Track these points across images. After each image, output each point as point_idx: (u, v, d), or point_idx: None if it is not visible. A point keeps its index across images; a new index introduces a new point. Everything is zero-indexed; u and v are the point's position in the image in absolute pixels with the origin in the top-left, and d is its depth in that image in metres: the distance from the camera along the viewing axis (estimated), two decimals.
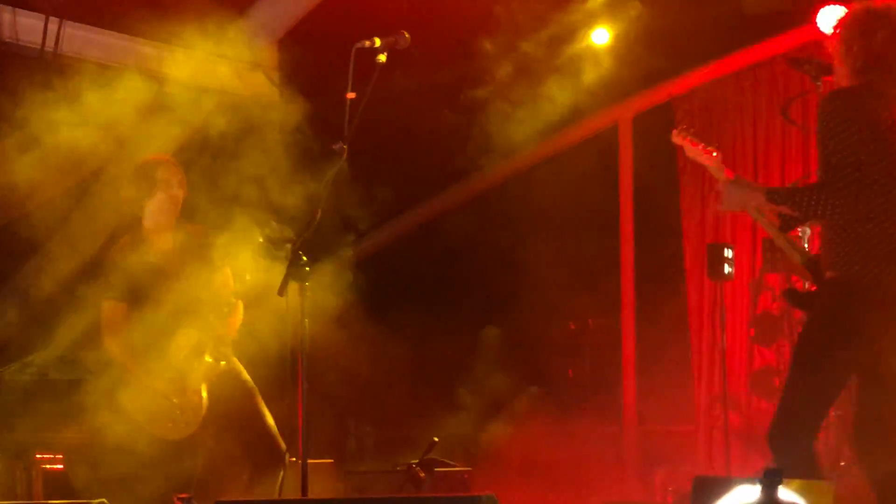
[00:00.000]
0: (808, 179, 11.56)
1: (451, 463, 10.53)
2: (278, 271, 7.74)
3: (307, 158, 8.79)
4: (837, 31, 7.28)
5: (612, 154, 13.80)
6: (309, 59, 11.81)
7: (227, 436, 8.55)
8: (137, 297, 8.57)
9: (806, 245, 10.38)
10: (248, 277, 8.48)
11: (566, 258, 11.94)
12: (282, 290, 7.73)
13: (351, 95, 7.39)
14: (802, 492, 4.97)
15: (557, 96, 11.75)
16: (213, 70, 12.20)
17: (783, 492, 4.86)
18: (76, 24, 11.35)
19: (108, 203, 11.29)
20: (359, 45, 7.42)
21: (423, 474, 10.35)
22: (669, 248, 14.07)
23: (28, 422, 10.51)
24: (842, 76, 7.22)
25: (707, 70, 13.63)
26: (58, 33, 11.22)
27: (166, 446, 8.66)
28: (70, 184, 11.39)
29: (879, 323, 6.83)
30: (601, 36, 12.26)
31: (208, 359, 8.47)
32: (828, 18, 12.21)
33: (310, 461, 7.68)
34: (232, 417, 8.49)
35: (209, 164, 10.00)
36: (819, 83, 10.80)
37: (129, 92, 11.27)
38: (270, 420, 8.63)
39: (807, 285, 10.62)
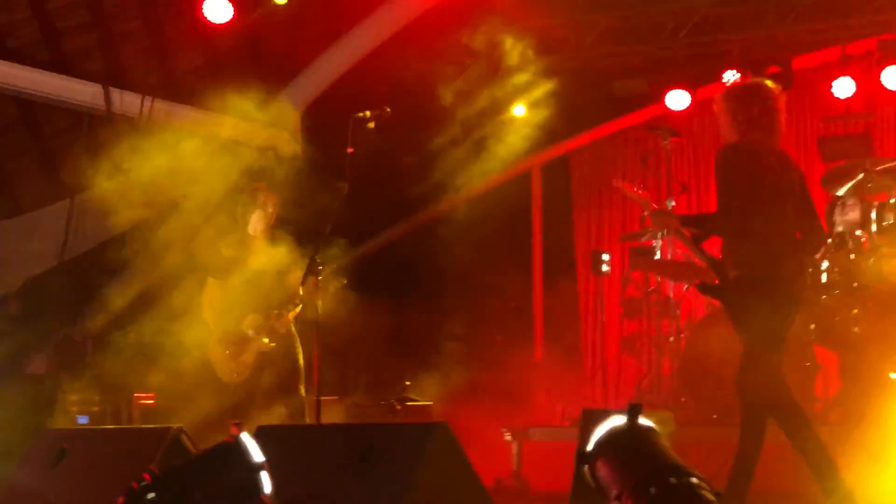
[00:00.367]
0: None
1: (418, 399, 10.64)
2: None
3: (319, 193, 8.84)
4: (723, 103, 7.03)
5: (527, 190, 13.94)
6: (321, 124, 11.88)
7: (269, 390, 8.53)
8: (226, 278, 8.54)
9: (658, 254, 10.57)
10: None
11: (496, 259, 11.97)
12: (303, 281, 7.90)
13: (350, 150, 7.45)
14: (653, 419, 4.56)
15: (491, 150, 11.85)
16: (255, 131, 12.28)
17: (641, 419, 4.50)
18: (161, 100, 11.35)
19: (179, 226, 11.27)
20: (355, 115, 7.46)
21: (398, 407, 10.41)
22: (566, 253, 14.15)
23: (130, 370, 10.60)
24: (729, 135, 6.96)
25: (591, 133, 13.64)
26: (150, 107, 11.23)
27: (225, 387, 8.67)
28: (152, 212, 11.39)
29: (772, 305, 6.63)
30: (519, 109, 12.31)
31: (265, 339, 8.53)
32: (673, 99, 12.37)
33: (322, 398, 7.76)
34: (274, 379, 8.46)
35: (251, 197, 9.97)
36: (667, 142, 10.76)
37: (195, 147, 11.35)
38: (302, 391, 8.55)
39: (658, 278, 10.86)
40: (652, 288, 10.67)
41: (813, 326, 8.87)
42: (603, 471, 4.29)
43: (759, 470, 6.68)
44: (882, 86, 11.16)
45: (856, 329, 8.39)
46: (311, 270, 7.75)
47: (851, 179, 9.14)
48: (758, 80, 7.30)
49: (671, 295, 10.64)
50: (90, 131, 10.58)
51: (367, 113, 7.39)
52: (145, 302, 10.71)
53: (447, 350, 11.61)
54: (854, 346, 8.40)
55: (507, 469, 9.83)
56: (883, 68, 11.14)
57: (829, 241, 8.77)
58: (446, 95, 11.13)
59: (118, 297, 11.82)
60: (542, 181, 14.03)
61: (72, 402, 10.68)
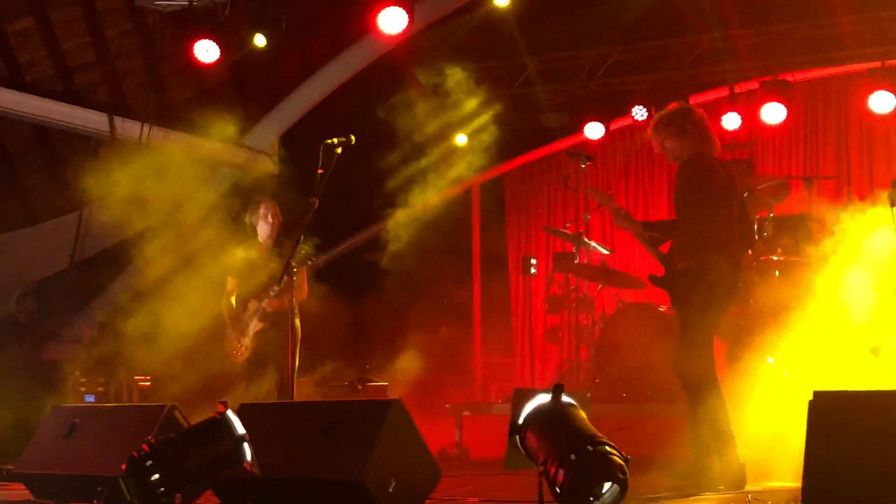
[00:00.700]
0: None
1: (376, 380, 10.62)
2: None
3: (293, 206, 8.78)
4: (666, 127, 6.92)
5: (468, 205, 13.95)
6: (295, 148, 11.83)
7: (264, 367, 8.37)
8: (243, 277, 8.36)
9: (577, 259, 10.63)
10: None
11: (442, 262, 11.93)
12: (280, 280, 7.86)
13: (320, 171, 7.32)
14: (572, 397, 4.53)
15: (438, 171, 11.84)
16: (238, 154, 12.25)
17: (563, 397, 4.45)
18: (158, 127, 11.28)
19: (177, 231, 11.18)
20: (325, 142, 7.38)
21: (359, 386, 10.40)
22: (500, 258, 14.08)
23: (131, 356, 10.54)
24: (678, 152, 6.84)
25: (522, 157, 13.65)
26: (148, 133, 11.17)
27: (231, 364, 8.53)
28: (154, 220, 11.32)
29: (713, 293, 6.53)
30: (462, 138, 12.32)
31: (260, 323, 8.43)
32: (590, 130, 12.37)
33: (297, 379, 7.76)
34: (270, 358, 8.31)
35: (237, 208, 9.91)
36: (584, 165, 10.70)
37: (187, 166, 11.30)
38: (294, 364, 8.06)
39: (577, 280, 10.89)
40: (572, 287, 10.71)
41: None
42: (531, 440, 4.31)
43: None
44: (762, 119, 11.27)
45: (741, 322, 8.44)
46: (286, 271, 7.72)
47: (765, 205, 9.18)
48: (682, 104, 7.29)
49: (587, 293, 10.69)
50: (97, 153, 10.51)
51: (335, 140, 7.35)
52: (143, 297, 10.62)
53: (400, 338, 11.58)
54: (738, 337, 8.45)
55: (450, 439, 9.83)
56: (763, 105, 11.25)
57: None
58: (401, 124, 11.11)
59: (121, 293, 11.76)
60: (480, 198, 14.03)
61: (81, 383, 10.62)
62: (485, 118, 11.84)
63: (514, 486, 6.34)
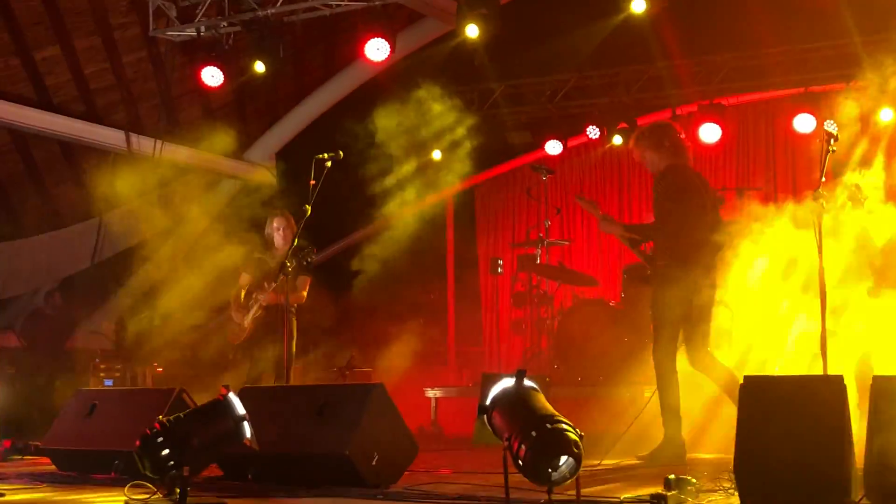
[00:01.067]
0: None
1: (361, 366, 10.59)
2: None
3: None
4: (646, 140, 6.87)
5: (444, 212, 13.91)
6: (291, 162, 11.83)
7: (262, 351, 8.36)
8: (256, 276, 8.16)
9: (538, 260, 10.64)
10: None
11: (420, 262, 11.92)
12: (276, 278, 7.83)
13: (312, 182, 7.41)
14: (534, 381, 4.46)
15: (418, 183, 11.82)
16: (240, 167, 12.23)
17: (526, 381, 4.38)
18: (169, 143, 11.27)
19: (185, 234, 11.15)
20: (317, 156, 7.44)
21: (347, 372, 10.39)
22: (471, 259, 14.04)
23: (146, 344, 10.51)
24: (656, 163, 6.78)
25: (491, 171, 13.56)
26: (160, 148, 11.15)
27: (230, 348, 8.38)
28: (162, 226, 11.28)
29: (687, 287, 6.47)
30: (437, 154, 12.30)
31: (258, 311, 8.32)
32: (550, 147, 12.39)
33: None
34: (269, 341, 8.33)
35: (239, 215, 9.95)
36: (545, 178, 10.72)
37: (195, 178, 11.28)
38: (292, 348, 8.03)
39: (538, 278, 10.90)
40: (534, 284, 10.71)
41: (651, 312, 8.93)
42: (497, 419, 4.30)
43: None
44: (700, 138, 11.31)
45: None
46: (282, 270, 7.68)
47: None
48: (665, 121, 7.33)
49: (547, 290, 10.71)
50: (115, 166, 10.45)
51: (326, 155, 7.30)
52: (155, 293, 10.60)
53: (383, 330, 11.56)
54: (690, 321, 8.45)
55: (427, 418, 9.83)
56: (700, 125, 11.30)
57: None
58: (384, 141, 11.10)
59: (136, 289, 11.72)
60: (454, 206, 14.00)
61: (100, 369, 10.56)
62: (458, 136, 11.84)
63: (482, 460, 6.35)
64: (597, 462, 6.17)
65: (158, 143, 11.09)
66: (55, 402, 8.70)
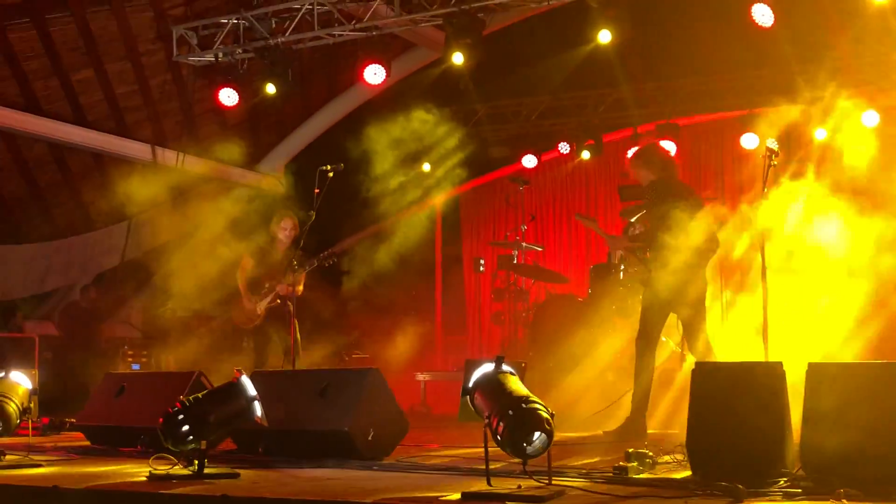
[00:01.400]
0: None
1: (359, 353, 10.58)
2: None
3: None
4: (637, 160, 6.87)
5: (433, 218, 13.87)
6: (298, 172, 11.76)
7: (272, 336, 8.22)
8: (258, 260, 8.12)
9: (515, 260, 10.61)
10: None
11: (412, 262, 11.88)
12: (284, 276, 7.82)
13: (316, 190, 7.30)
14: (511, 366, 4.38)
15: (409, 191, 11.87)
16: (253, 177, 12.19)
17: (504, 366, 4.29)
18: (190, 155, 11.22)
19: (202, 238, 11.08)
20: (321, 168, 7.38)
21: (346, 358, 10.37)
22: (457, 258, 13.98)
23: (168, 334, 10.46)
24: (645, 176, 6.77)
25: (474, 181, 13.40)
26: (182, 160, 11.12)
27: (241, 333, 8.40)
28: (183, 229, 11.24)
29: (677, 285, 6.38)
30: (426, 166, 12.29)
31: (273, 299, 8.11)
32: (526, 160, 12.38)
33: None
34: (276, 328, 8.11)
35: (250, 220, 9.92)
36: (522, 188, 10.74)
37: (212, 186, 11.23)
38: (297, 335, 8.03)
39: (516, 275, 10.88)
40: (511, 281, 10.71)
41: (615, 307, 8.94)
42: (479, 400, 4.29)
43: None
44: None
45: (638, 308, 8.45)
46: (289, 268, 7.66)
47: (638, 212, 9.18)
48: (653, 142, 7.30)
49: (523, 287, 10.71)
50: (142, 175, 10.41)
51: (329, 167, 7.30)
52: (178, 288, 10.55)
53: (378, 321, 11.55)
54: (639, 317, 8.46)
55: (417, 399, 9.83)
56: (660, 142, 11.31)
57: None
58: (381, 155, 11.08)
59: (160, 285, 11.66)
60: (441, 212, 13.97)
61: (129, 354, 10.54)
62: (445, 150, 11.84)
63: (465, 436, 6.32)
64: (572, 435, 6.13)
65: (181, 155, 11.08)
66: (88, 383, 8.66)
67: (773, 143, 5.66)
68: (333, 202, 7.64)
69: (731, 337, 7.74)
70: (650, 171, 6.82)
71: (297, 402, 5.71)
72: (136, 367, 10.42)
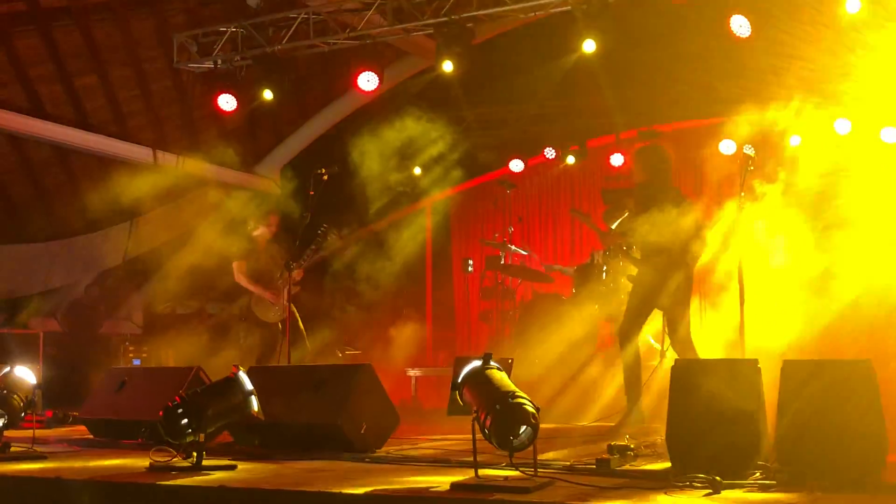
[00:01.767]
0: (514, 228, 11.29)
1: (353, 349, 10.56)
2: None
3: (291, 219, 8.72)
4: (638, 156, 6.90)
5: (423, 219, 13.82)
6: (294, 176, 11.72)
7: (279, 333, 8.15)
8: (249, 260, 8.16)
9: (503, 261, 10.62)
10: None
11: (404, 262, 11.84)
12: (280, 275, 7.79)
13: (311, 192, 7.34)
14: (498, 362, 4.37)
15: (403, 194, 11.86)
16: (250, 179, 12.16)
17: (492, 363, 4.31)
18: (189, 158, 11.18)
19: (201, 238, 11.05)
20: (315, 170, 7.42)
21: (340, 354, 10.31)
22: (446, 259, 13.92)
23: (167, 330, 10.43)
24: (637, 174, 6.80)
25: (464, 185, 13.17)
26: (182, 162, 11.07)
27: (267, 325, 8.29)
28: (182, 229, 11.21)
29: (657, 284, 6.47)
30: (418, 170, 12.25)
31: (294, 287, 7.99)
32: (514, 165, 12.37)
33: (291, 349, 7.73)
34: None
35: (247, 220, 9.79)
36: (509, 191, 10.79)
37: (211, 188, 11.20)
38: (302, 327, 8.17)
39: (503, 275, 10.88)
40: (499, 281, 10.72)
41: (597, 305, 8.96)
42: (468, 394, 4.30)
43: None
44: None
45: (622, 308, 8.46)
46: (286, 268, 7.64)
47: (621, 215, 9.20)
48: (655, 142, 7.32)
49: (510, 286, 10.73)
50: (143, 178, 10.39)
51: (323, 170, 7.30)
52: (177, 286, 10.54)
53: (370, 319, 11.54)
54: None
55: (408, 394, 9.82)
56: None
57: (609, 251, 8.60)
58: (375, 159, 11.07)
59: (160, 283, 11.64)
60: (432, 214, 13.90)
61: (129, 350, 10.49)
62: (436, 154, 11.79)
63: (454, 429, 6.31)
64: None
65: (181, 157, 11.01)
66: (90, 378, 8.63)
67: (749, 149, 5.67)
68: (326, 203, 7.62)
69: (709, 335, 7.75)
70: (641, 172, 6.84)
71: (293, 395, 5.70)
72: (136, 362, 10.38)
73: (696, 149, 12.35)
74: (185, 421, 4.57)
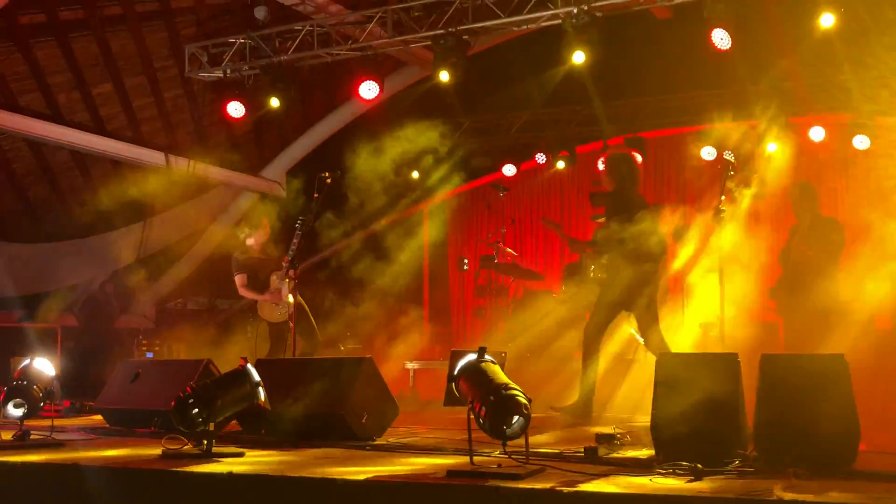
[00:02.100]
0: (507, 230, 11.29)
1: (355, 344, 10.55)
2: None
3: (295, 221, 8.70)
4: (605, 168, 6.80)
5: (421, 221, 13.85)
6: (299, 179, 11.71)
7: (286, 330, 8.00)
8: (249, 273, 8.04)
9: (496, 260, 10.61)
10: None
11: (403, 261, 11.81)
12: (280, 278, 7.79)
13: (315, 195, 7.30)
14: (492, 356, 4.29)
15: (402, 196, 11.85)
16: (257, 183, 12.13)
17: (486, 356, 4.27)
18: (200, 162, 11.17)
19: (210, 237, 11.02)
20: (319, 175, 7.36)
21: (342, 348, 10.32)
22: (443, 258, 13.93)
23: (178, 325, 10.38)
24: (608, 184, 6.74)
25: (459, 189, 13.21)
26: (193, 166, 11.08)
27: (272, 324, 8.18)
28: (193, 229, 11.17)
29: (623, 289, 6.50)
30: (416, 174, 12.25)
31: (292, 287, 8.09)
32: (507, 169, 12.39)
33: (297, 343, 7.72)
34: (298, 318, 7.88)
35: (254, 222, 9.73)
36: (502, 194, 10.83)
37: (220, 191, 11.18)
38: (313, 321, 8.11)
39: (496, 274, 10.88)
40: (492, 279, 10.73)
41: (585, 302, 8.94)
42: (463, 387, 4.28)
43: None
44: None
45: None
46: (287, 266, 7.61)
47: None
48: (617, 153, 7.26)
49: (503, 284, 10.73)
50: (156, 180, 10.37)
51: (327, 174, 7.28)
52: (189, 283, 10.51)
53: (371, 316, 11.51)
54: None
55: (406, 385, 9.79)
56: (626, 151, 11.29)
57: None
58: (375, 163, 11.04)
59: (173, 280, 11.63)
60: (429, 215, 13.92)
61: (143, 343, 10.47)
62: (433, 159, 11.80)
63: (451, 419, 6.33)
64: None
65: (192, 162, 11.02)
66: (106, 370, 8.61)
67: (729, 156, 5.70)
68: (330, 206, 7.61)
69: (687, 332, 7.76)
70: (610, 182, 6.79)
71: (298, 386, 5.69)
72: (149, 355, 10.36)
73: (679, 155, 12.40)
74: (196, 411, 4.55)
